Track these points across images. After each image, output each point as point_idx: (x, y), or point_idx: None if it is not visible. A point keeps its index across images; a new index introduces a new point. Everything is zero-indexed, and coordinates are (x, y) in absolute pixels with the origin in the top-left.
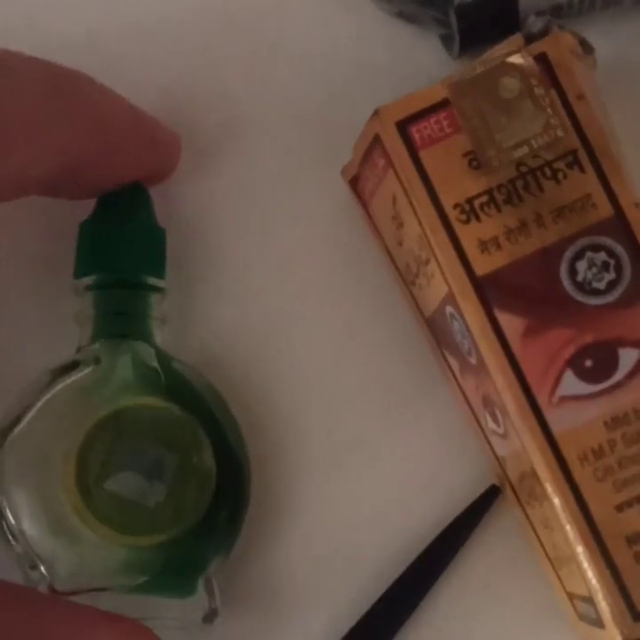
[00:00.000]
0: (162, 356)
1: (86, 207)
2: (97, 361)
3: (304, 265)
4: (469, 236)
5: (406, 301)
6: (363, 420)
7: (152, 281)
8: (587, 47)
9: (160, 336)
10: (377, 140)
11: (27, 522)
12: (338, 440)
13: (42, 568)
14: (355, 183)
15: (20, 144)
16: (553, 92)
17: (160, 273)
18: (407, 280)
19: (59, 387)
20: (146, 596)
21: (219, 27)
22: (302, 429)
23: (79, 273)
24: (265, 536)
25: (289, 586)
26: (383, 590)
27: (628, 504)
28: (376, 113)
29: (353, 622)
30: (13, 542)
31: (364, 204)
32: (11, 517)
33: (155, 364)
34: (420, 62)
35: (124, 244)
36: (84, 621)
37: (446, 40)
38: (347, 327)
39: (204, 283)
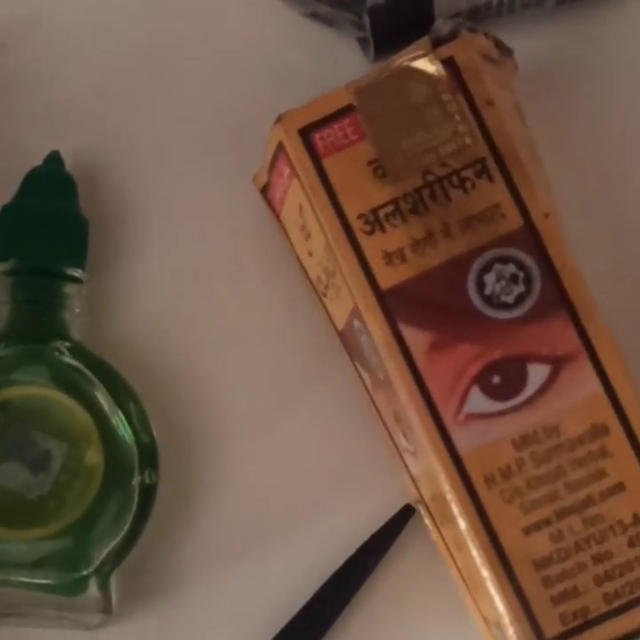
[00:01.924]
0: (71, 348)
1: (9, 190)
2: None
3: (217, 272)
4: (374, 247)
5: (320, 313)
6: (272, 435)
7: (71, 271)
8: (504, 49)
9: (75, 327)
10: (281, 147)
11: None
12: (246, 451)
13: None
14: (266, 191)
15: None
16: (460, 98)
17: (80, 263)
18: (319, 291)
19: None
20: (34, 592)
21: (125, 26)
22: (214, 438)
23: None
24: (170, 541)
25: (193, 592)
26: (293, 613)
27: (536, 527)
28: (279, 119)
29: (262, 637)
30: None
31: (275, 212)
32: None
33: (59, 354)
34: (340, 66)
35: (44, 231)
36: None
37: (364, 43)
38: (259, 338)
39: (119, 279)
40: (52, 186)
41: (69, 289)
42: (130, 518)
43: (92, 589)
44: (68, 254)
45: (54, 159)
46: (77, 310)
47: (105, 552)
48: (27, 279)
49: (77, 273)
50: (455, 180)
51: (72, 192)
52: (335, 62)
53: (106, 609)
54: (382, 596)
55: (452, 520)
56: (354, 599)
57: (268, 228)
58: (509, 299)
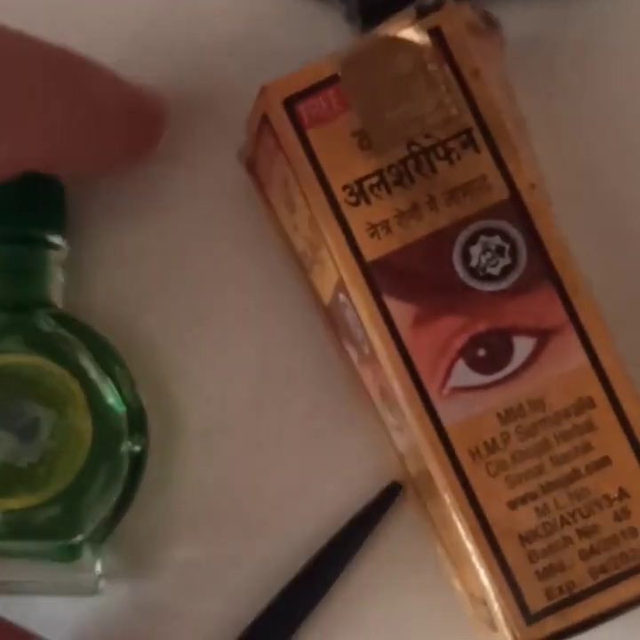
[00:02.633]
0: (54, 314)
1: None
2: None
3: (202, 251)
4: (359, 219)
5: (306, 289)
6: (258, 410)
7: (51, 238)
8: (491, 22)
9: (58, 294)
10: (265, 119)
11: None
12: (231, 426)
13: None
14: (251, 166)
15: (14, 125)
16: (446, 68)
17: (59, 230)
18: (305, 266)
19: None
20: (28, 561)
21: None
22: (201, 405)
23: None
24: (162, 506)
25: (186, 557)
26: (280, 588)
27: (522, 501)
28: (263, 90)
29: (248, 612)
30: None
31: (261, 187)
32: None
33: (43, 322)
34: (325, 39)
35: (21, 199)
36: None
37: (350, 16)
38: (245, 316)
39: (103, 246)
40: None
41: (50, 256)
42: (120, 484)
43: (87, 556)
44: (47, 221)
45: None
46: (59, 277)
47: (97, 518)
48: (6, 248)
49: (57, 240)
50: (440, 151)
51: None
52: (321, 36)
53: (101, 575)
54: (369, 573)
55: (437, 496)
56: (340, 576)
57: (253, 203)
58: (495, 271)
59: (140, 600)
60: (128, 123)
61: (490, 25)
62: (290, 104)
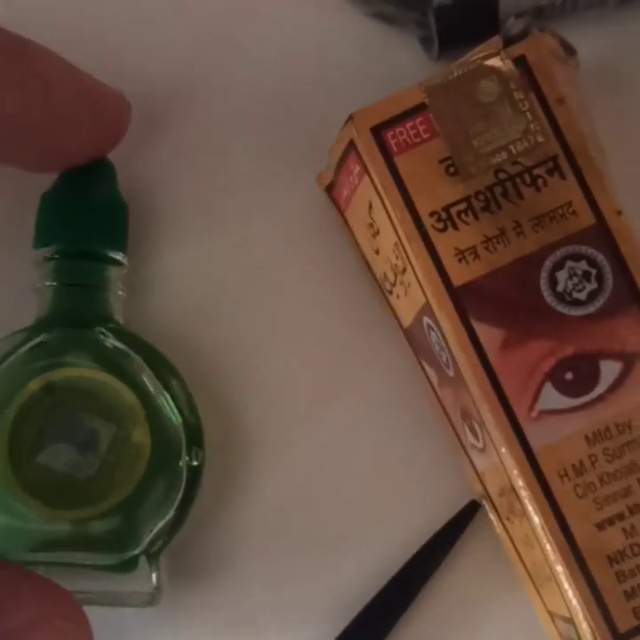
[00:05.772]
0: (114, 329)
1: (49, 177)
2: (41, 333)
3: (278, 271)
4: (446, 244)
5: (384, 312)
6: (337, 430)
7: (113, 254)
8: (568, 49)
9: (118, 310)
10: (352, 145)
11: None
12: (308, 443)
13: None
14: (331, 190)
15: None
16: (532, 96)
17: (121, 247)
18: (385, 289)
19: (3, 364)
20: (85, 572)
21: (189, 25)
22: (261, 421)
23: (39, 243)
24: (220, 518)
25: (243, 572)
26: (360, 608)
27: (610, 522)
28: (351, 118)
29: (319, 634)
30: None
31: (340, 211)
32: None
33: (103, 337)
34: (399, 65)
35: (85, 216)
36: (10, 583)
37: (426, 42)
38: (321, 336)
39: (167, 263)
40: (90, 172)
41: (111, 272)
42: (178, 497)
43: (143, 568)
44: (109, 238)
45: None
46: (120, 293)
47: (154, 531)
48: (70, 263)
49: (119, 256)
50: (527, 177)
51: (110, 177)
52: (395, 62)
53: (156, 587)
54: (447, 591)
55: (520, 516)
56: (419, 594)
57: (329, 227)
58: (582, 296)
59: (196, 612)
60: (86, 117)
61: (567, 52)
62: (377, 131)
